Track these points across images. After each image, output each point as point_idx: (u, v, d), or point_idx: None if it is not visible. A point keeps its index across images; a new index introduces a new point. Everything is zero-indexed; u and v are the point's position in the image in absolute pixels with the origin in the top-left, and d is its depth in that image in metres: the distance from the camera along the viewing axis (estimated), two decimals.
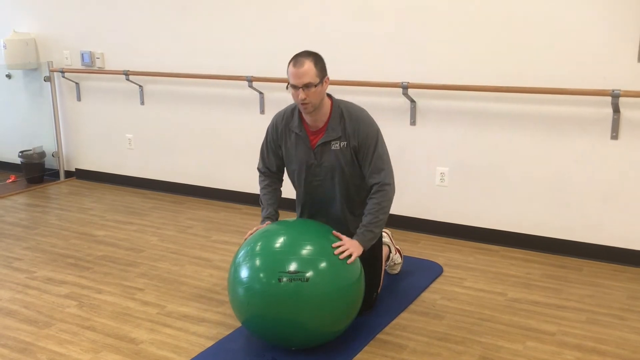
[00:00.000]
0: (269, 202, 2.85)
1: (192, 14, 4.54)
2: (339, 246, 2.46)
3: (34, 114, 5.61)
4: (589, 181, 3.47)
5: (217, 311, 2.93)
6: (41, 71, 5.42)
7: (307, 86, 2.52)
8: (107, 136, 5.28)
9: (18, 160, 5.50)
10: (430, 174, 3.91)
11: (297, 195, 2.91)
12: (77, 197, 4.98)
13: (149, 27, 4.76)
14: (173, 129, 4.90)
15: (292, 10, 4.13)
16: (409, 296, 3.05)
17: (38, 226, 4.25)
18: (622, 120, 3.33)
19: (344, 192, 2.74)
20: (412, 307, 2.96)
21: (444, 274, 3.36)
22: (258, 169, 2.94)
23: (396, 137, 3.96)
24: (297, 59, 2.56)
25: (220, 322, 2.82)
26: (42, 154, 5.50)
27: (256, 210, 4.30)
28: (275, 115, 2.84)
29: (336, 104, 2.70)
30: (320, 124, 2.68)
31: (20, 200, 4.96)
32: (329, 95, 2.71)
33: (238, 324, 2.74)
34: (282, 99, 4.32)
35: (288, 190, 2.97)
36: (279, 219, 2.84)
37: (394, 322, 2.80)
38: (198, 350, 2.58)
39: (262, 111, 4.42)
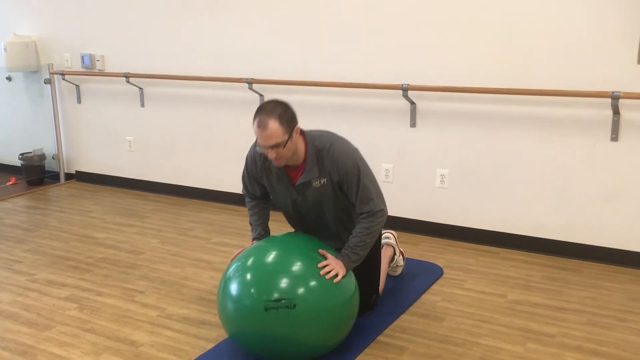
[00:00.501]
0: (257, 223, 2.80)
1: (192, 17, 4.54)
2: (325, 265, 2.39)
3: (34, 117, 5.62)
4: (589, 183, 3.47)
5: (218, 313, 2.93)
6: (41, 74, 5.42)
7: (275, 147, 2.40)
8: (107, 138, 5.28)
9: (18, 163, 5.50)
10: (430, 176, 3.92)
11: (288, 219, 2.86)
12: (78, 200, 4.98)
13: (149, 29, 4.77)
14: (173, 131, 4.91)
15: (292, 13, 4.14)
16: (410, 298, 3.05)
17: (38, 229, 4.25)
18: (622, 122, 3.33)
19: (334, 216, 2.68)
20: (412, 309, 2.96)
21: (444, 275, 3.36)
22: (243, 192, 2.88)
23: (396, 139, 3.97)
24: (261, 118, 2.38)
25: (220, 325, 2.80)
26: (42, 157, 5.50)
27: None
28: (252, 148, 2.69)
29: (310, 142, 2.54)
30: (298, 163, 2.56)
31: (20, 202, 4.96)
32: (302, 133, 2.54)
33: None
34: None
35: None
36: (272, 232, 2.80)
37: (394, 324, 2.80)
38: (198, 352, 2.58)
39: None
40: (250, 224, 2.84)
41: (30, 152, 5.49)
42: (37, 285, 3.30)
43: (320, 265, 2.39)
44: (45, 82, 5.39)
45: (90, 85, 5.25)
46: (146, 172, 5.14)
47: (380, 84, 3.88)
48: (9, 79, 5.67)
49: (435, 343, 2.64)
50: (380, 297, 2.97)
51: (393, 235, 3.27)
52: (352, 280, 2.50)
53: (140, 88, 4.95)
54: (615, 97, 3.23)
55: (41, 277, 3.40)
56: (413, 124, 3.89)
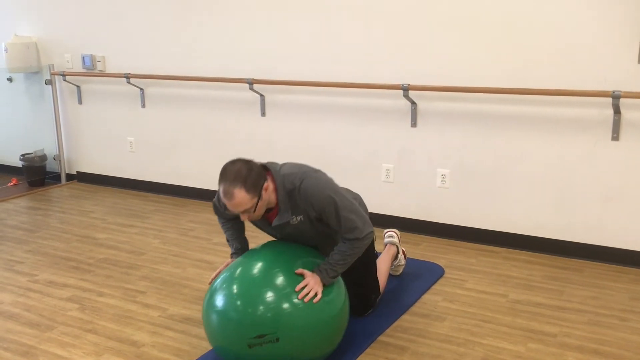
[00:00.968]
0: (233, 237, 2.76)
1: (192, 17, 4.55)
2: (304, 287, 2.29)
3: (35, 117, 5.62)
4: (590, 182, 3.47)
5: None
6: (42, 74, 5.43)
7: (245, 212, 2.34)
8: (108, 139, 5.29)
9: (19, 164, 5.51)
10: (431, 176, 3.92)
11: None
12: (79, 200, 4.98)
13: (150, 30, 4.77)
14: (174, 132, 4.91)
15: (292, 13, 4.14)
16: (411, 298, 3.05)
17: (39, 229, 4.26)
18: (622, 122, 3.33)
19: (319, 241, 2.61)
20: (413, 309, 2.96)
21: (445, 275, 3.36)
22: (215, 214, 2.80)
23: (397, 139, 3.97)
24: (225, 186, 2.28)
25: None
26: (43, 157, 5.50)
27: None
28: (217, 198, 2.62)
29: (280, 183, 2.42)
30: (272, 206, 2.46)
31: (21, 203, 4.97)
32: (270, 174, 2.43)
33: None
34: (282, 101, 4.33)
35: None
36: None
37: (395, 324, 2.80)
38: (200, 353, 2.58)
39: (263, 113, 4.43)
40: (227, 240, 2.79)
41: (31, 153, 5.50)
42: (38, 285, 3.31)
43: (297, 288, 2.28)
44: (46, 83, 5.39)
45: (91, 86, 5.25)
46: (147, 172, 5.15)
47: (381, 84, 3.88)
48: (10, 80, 5.67)
49: (437, 343, 2.64)
50: (381, 297, 2.97)
51: (396, 233, 3.27)
52: (340, 291, 2.43)
53: (141, 89, 4.95)
54: (616, 97, 3.23)
55: (42, 278, 3.41)
56: (414, 124, 3.89)
